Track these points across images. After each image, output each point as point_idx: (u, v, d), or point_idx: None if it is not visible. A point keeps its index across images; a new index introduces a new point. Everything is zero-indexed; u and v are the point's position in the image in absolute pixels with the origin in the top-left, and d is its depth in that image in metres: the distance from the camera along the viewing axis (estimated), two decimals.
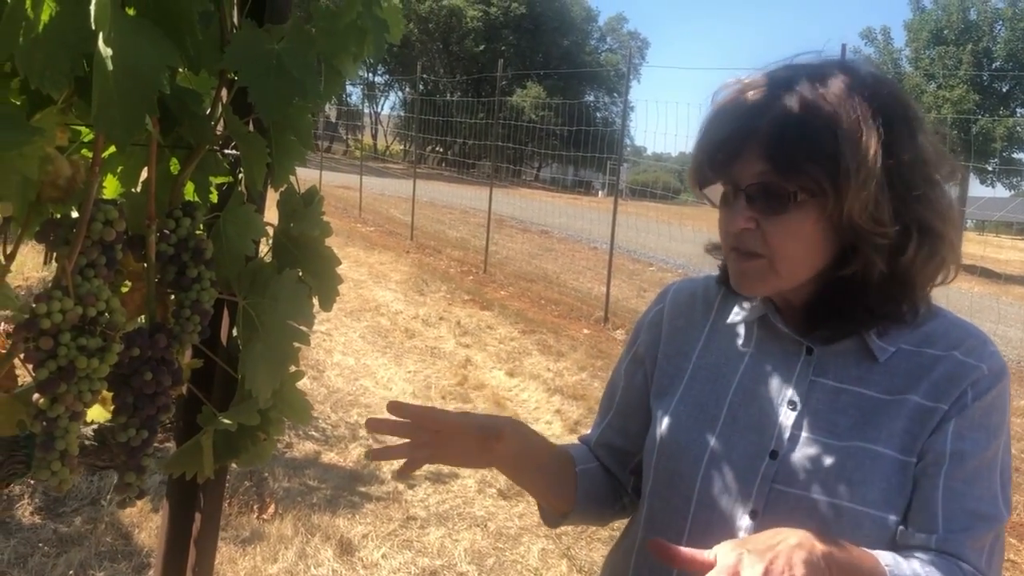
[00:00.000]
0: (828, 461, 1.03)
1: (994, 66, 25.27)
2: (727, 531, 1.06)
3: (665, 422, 1.17)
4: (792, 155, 0.97)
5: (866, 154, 0.97)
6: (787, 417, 1.07)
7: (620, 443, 1.29)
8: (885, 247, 1.01)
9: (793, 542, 0.88)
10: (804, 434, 1.06)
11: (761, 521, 1.04)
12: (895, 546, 1.02)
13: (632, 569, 1.19)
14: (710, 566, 0.87)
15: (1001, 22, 25.37)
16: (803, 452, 1.05)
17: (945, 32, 25.47)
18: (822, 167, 0.97)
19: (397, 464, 4.44)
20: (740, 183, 1.02)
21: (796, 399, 1.08)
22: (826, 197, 0.98)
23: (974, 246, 25.46)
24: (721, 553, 0.88)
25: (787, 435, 1.06)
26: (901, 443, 1.02)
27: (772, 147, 0.98)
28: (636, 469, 1.29)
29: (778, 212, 1.00)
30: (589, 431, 1.37)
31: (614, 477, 1.30)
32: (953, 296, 9.98)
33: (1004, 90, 26.14)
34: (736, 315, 1.18)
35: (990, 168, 25.62)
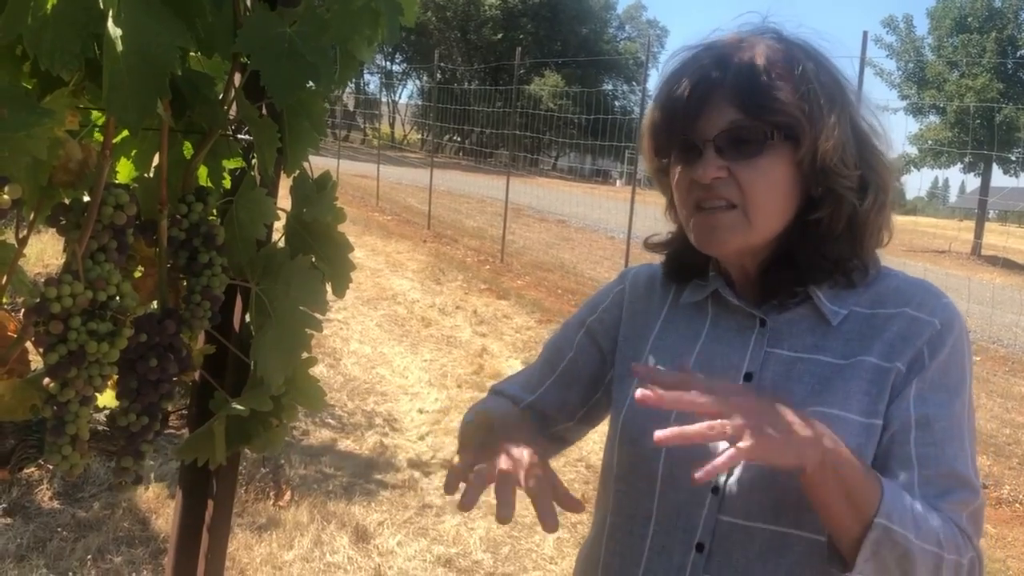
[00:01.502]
0: None
1: (1019, 54, 24.86)
2: (694, 510, 1.05)
3: (625, 405, 1.16)
4: (764, 97, 0.99)
5: (832, 96, 1.02)
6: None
7: (552, 412, 1.28)
8: (851, 192, 1.03)
9: (789, 415, 0.90)
10: None
11: (725, 497, 1.04)
12: None
13: (603, 557, 1.17)
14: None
15: None
16: None
17: (969, 20, 25.07)
18: (795, 105, 0.99)
19: (414, 453, 4.41)
20: (707, 135, 1.02)
21: (751, 372, 1.07)
22: (802, 136, 1.00)
23: (996, 237, 25.19)
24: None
25: None
26: (860, 405, 1.01)
27: (742, 93, 1.00)
28: (554, 435, 1.29)
29: (753, 155, 1.01)
30: (508, 385, 1.34)
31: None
32: (975, 288, 9.87)
33: None
34: (690, 295, 1.18)
35: (1013, 158, 25.27)
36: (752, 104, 0.99)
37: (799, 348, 1.07)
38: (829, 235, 1.05)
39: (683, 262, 1.19)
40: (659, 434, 0.87)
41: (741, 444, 0.84)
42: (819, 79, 1.02)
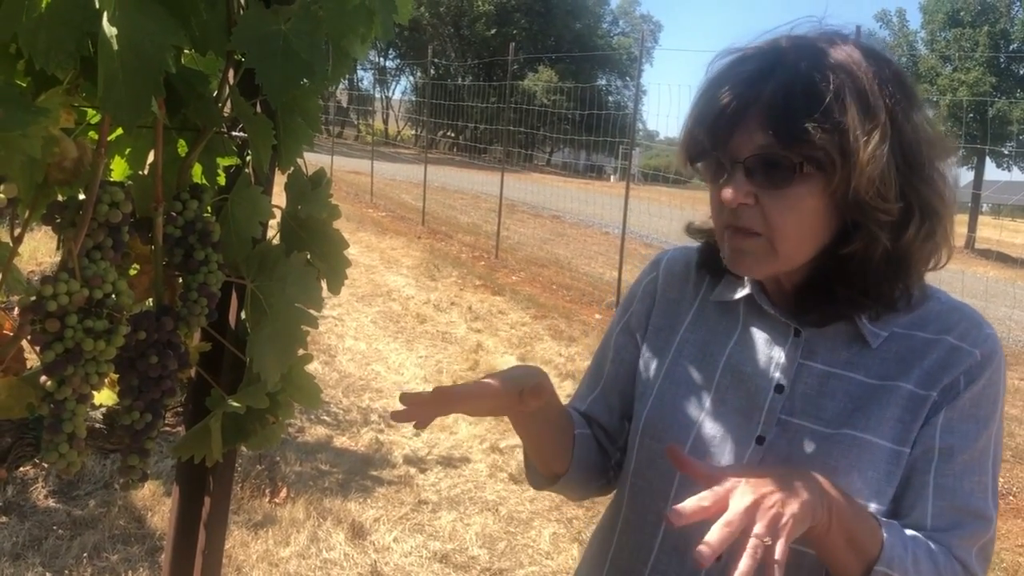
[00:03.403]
0: (815, 449, 1.00)
1: (1011, 48, 24.93)
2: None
3: (650, 399, 1.14)
4: (797, 124, 0.91)
5: (875, 125, 0.93)
6: (774, 401, 1.04)
7: (607, 420, 1.24)
8: (888, 225, 0.96)
9: (795, 479, 0.88)
10: (791, 420, 1.03)
11: None
12: None
13: (613, 550, 1.17)
14: (710, 484, 0.88)
15: (1019, 3, 25.03)
16: (790, 439, 1.02)
17: (961, 14, 25.13)
18: (830, 136, 0.91)
19: (409, 450, 4.40)
20: (738, 155, 0.95)
21: (783, 383, 1.04)
22: (833, 170, 0.92)
23: (990, 230, 25.26)
24: (723, 478, 0.89)
25: (774, 420, 1.03)
26: (893, 432, 0.99)
27: (775, 116, 0.92)
28: (624, 445, 1.23)
29: (780, 186, 0.94)
30: (573, 399, 1.31)
31: (603, 450, 1.25)
32: (968, 281, 9.90)
33: (1021, 72, 25.82)
34: (723, 292, 1.14)
35: (1006, 152, 25.35)
36: (783, 132, 0.92)
37: (833, 363, 1.03)
38: (866, 269, 0.99)
39: (719, 255, 1.12)
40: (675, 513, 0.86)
41: (779, 557, 0.82)
42: (861, 102, 0.93)
